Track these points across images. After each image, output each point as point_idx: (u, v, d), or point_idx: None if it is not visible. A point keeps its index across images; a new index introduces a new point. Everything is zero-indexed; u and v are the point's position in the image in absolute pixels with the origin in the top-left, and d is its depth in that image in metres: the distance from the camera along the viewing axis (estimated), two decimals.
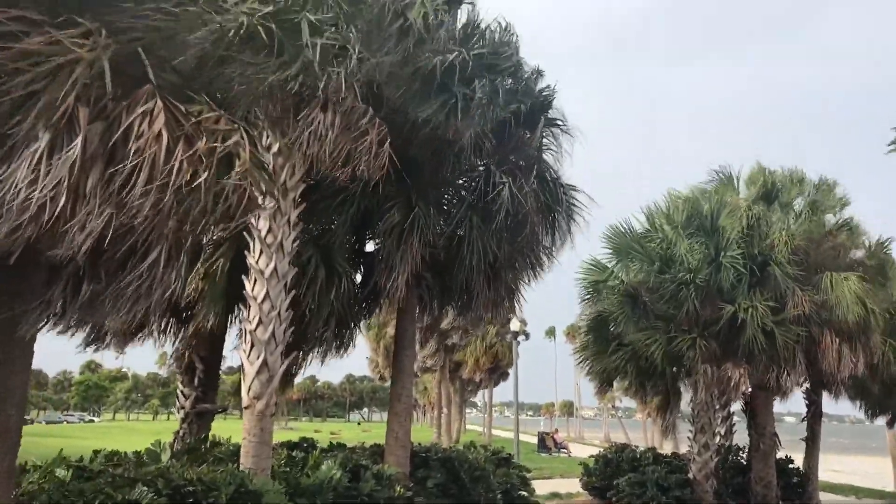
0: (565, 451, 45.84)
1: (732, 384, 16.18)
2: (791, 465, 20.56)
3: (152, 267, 5.42)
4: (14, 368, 5.79)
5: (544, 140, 13.69)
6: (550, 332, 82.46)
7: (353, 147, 9.10)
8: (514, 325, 29.19)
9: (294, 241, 10.37)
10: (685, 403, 18.41)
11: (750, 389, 17.89)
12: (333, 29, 7.96)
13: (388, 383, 16.90)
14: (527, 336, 51.15)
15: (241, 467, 9.54)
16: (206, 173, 5.16)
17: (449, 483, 13.90)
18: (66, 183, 4.64)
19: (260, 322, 9.93)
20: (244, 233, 10.15)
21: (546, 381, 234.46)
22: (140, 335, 13.91)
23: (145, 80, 5.28)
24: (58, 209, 4.62)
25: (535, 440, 49.49)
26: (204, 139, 5.26)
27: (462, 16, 12.76)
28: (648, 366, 16.92)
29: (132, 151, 4.91)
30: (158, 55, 5.57)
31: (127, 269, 5.57)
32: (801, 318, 15.87)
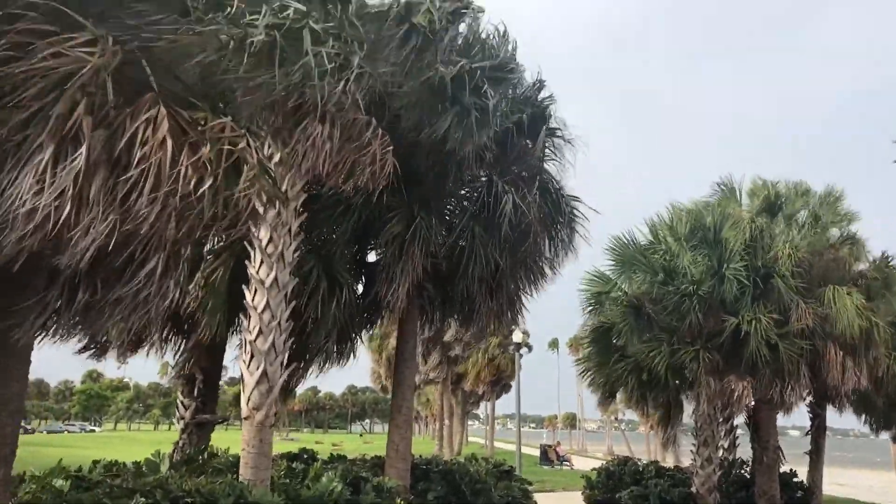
0: (568, 463, 45.62)
1: (736, 397, 16.08)
2: (795, 479, 20.42)
3: (150, 276, 5.39)
4: (10, 377, 5.75)
5: (546, 150, 13.67)
6: (553, 344, 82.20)
7: (356, 158, 9.09)
8: (517, 336, 29.11)
9: (295, 251, 10.33)
10: (688, 416, 18.30)
11: (753, 402, 17.77)
12: (335, 39, 7.97)
13: (390, 394, 16.82)
14: (529, 348, 51.12)
15: (241, 478, 9.46)
16: (212, 180, 5.15)
17: (449, 496, 13.82)
18: (70, 192, 4.63)
19: (260, 332, 9.87)
20: (245, 242, 10.12)
21: (549, 394, 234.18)
22: (141, 345, 13.88)
23: (148, 88, 5.27)
24: (62, 218, 4.61)
25: (537, 453, 49.27)
26: (209, 145, 5.25)
27: (462, 26, 12.77)
28: (650, 377, 16.83)
29: (137, 158, 4.91)
30: (161, 64, 5.57)
31: (124, 277, 5.54)
32: (805, 332, 15.79)
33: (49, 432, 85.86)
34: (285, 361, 10.19)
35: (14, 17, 4.89)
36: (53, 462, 8.77)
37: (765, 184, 18.97)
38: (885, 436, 24.67)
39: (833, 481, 29.17)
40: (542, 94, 13.69)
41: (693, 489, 17.30)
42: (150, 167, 4.91)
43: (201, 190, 5.07)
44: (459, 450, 48.79)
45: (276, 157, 9.63)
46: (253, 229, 9.69)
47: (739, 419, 19.65)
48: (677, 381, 17.26)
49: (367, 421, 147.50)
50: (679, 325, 16.25)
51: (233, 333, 13.44)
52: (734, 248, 16.54)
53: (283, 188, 10.15)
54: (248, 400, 9.82)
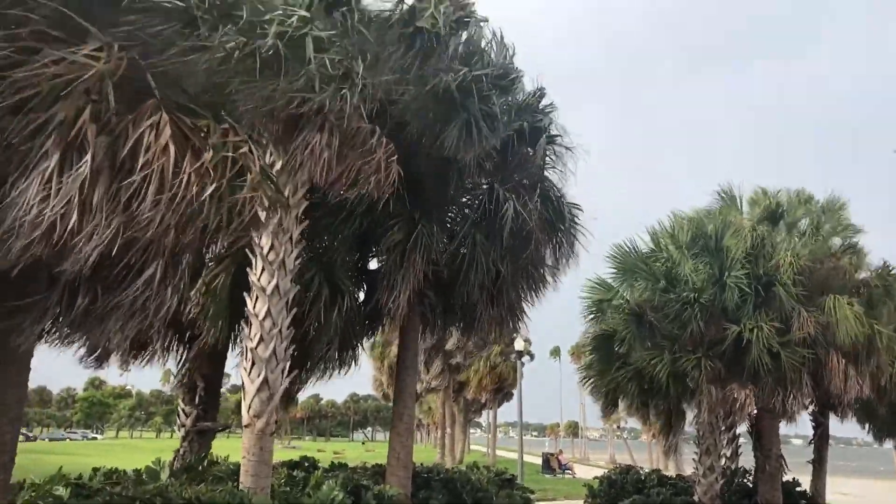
0: (570, 472, 45.50)
1: (738, 405, 16.02)
2: (798, 488, 20.30)
3: (147, 283, 5.40)
4: (9, 384, 5.76)
5: (547, 158, 13.69)
6: (555, 353, 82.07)
7: (361, 166, 9.11)
8: (519, 344, 29.06)
9: (296, 258, 10.35)
10: (690, 425, 18.24)
11: (755, 411, 17.72)
12: (338, 47, 7.99)
13: (391, 402, 16.80)
14: (531, 356, 51.04)
15: (241, 486, 9.45)
16: (215, 185, 5.16)
17: None
18: (76, 199, 4.65)
19: (261, 340, 9.87)
20: (246, 250, 10.13)
21: (551, 402, 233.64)
22: (143, 353, 13.88)
23: (150, 95, 5.30)
24: (69, 226, 4.63)
25: (539, 461, 49.14)
26: (211, 151, 5.26)
27: (465, 34, 12.77)
28: (651, 385, 16.78)
29: (140, 164, 4.92)
30: (165, 72, 5.59)
31: (123, 284, 5.55)
32: (807, 340, 15.75)
33: (51, 440, 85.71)
34: (286, 369, 10.20)
35: (21, 22, 4.91)
36: (54, 470, 8.76)
37: (766, 193, 18.95)
38: (888, 445, 24.53)
39: (836, 490, 29.01)
40: (543, 103, 13.72)
41: (695, 498, 17.23)
42: (153, 173, 4.93)
43: (204, 195, 5.07)
44: (461, 458, 48.65)
45: (278, 165, 9.67)
46: (254, 237, 9.71)
47: (742, 428, 19.58)
48: (679, 390, 17.20)
49: (370, 429, 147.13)
50: (681, 333, 16.21)
51: (234, 341, 13.44)
52: (735, 256, 16.51)
53: (285, 195, 10.18)
54: (249, 408, 9.82)
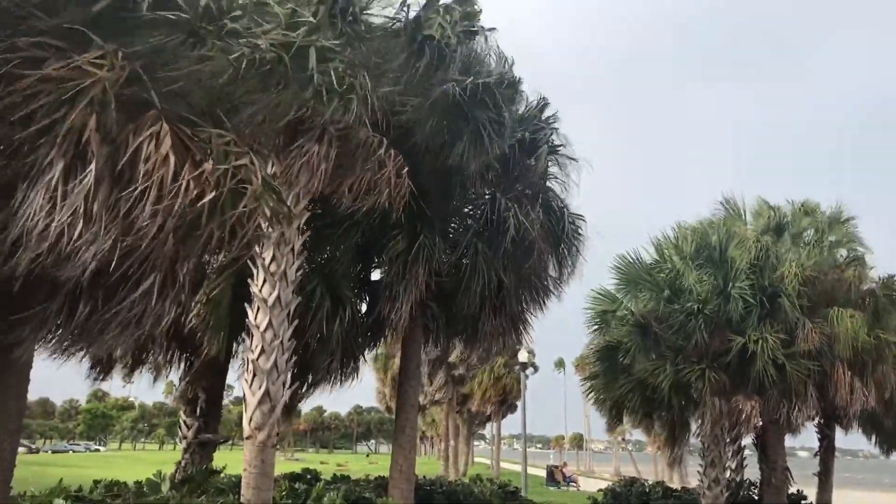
0: (574, 484, 45.26)
1: (744, 417, 15.92)
2: (804, 501, 20.17)
3: (145, 296, 5.36)
4: (9, 395, 5.72)
5: (550, 168, 13.68)
6: (560, 364, 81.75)
7: (371, 178, 9.10)
8: (522, 356, 28.96)
9: (298, 269, 10.31)
10: (695, 437, 18.12)
11: (760, 423, 17.61)
12: (342, 57, 7.98)
13: (394, 415, 16.73)
14: (535, 368, 50.77)
15: (242, 499, 9.39)
16: (213, 194, 5.14)
17: None
18: (82, 209, 4.63)
19: (262, 351, 9.82)
20: (248, 261, 10.09)
21: (556, 414, 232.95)
22: (145, 364, 13.86)
23: (152, 106, 5.29)
24: (75, 236, 4.61)
25: (543, 473, 48.89)
26: (211, 161, 5.25)
27: (472, 44, 12.75)
28: (654, 396, 16.69)
29: (141, 174, 4.91)
30: (167, 83, 5.58)
31: (122, 294, 5.52)
32: (812, 352, 15.67)
33: (54, 452, 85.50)
34: (288, 381, 10.14)
35: (25, 33, 4.92)
36: (56, 482, 8.73)
37: (769, 205, 18.93)
38: (895, 457, 24.33)
39: (842, 503, 28.79)
40: (546, 113, 13.72)
41: None
42: (153, 183, 4.91)
43: (201, 203, 5.05)
44: (465, 470, 48.42)
45: (283, 177, 9.65)
46: (256, 247, 9.68)
47: (747, 440, 19.45)
48: (682, 401, 17.11)
49: (373, 441, 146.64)
50: (685, 345, 16.14)
51: (236, 352, 13.40)
52: (740, 266, 16.45)
53: (287, 207, 10.15)
54: (251, 420, 9.76)
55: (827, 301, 16.67)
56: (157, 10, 5.43)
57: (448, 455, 54.31)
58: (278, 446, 10.32)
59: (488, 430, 76.07)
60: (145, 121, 5.13)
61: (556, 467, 49.50)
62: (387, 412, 70.92)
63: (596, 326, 17.95)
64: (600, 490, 21.21)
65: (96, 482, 9.49)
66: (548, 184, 13.81)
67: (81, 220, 4.63)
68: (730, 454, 18.81)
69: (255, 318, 9.97)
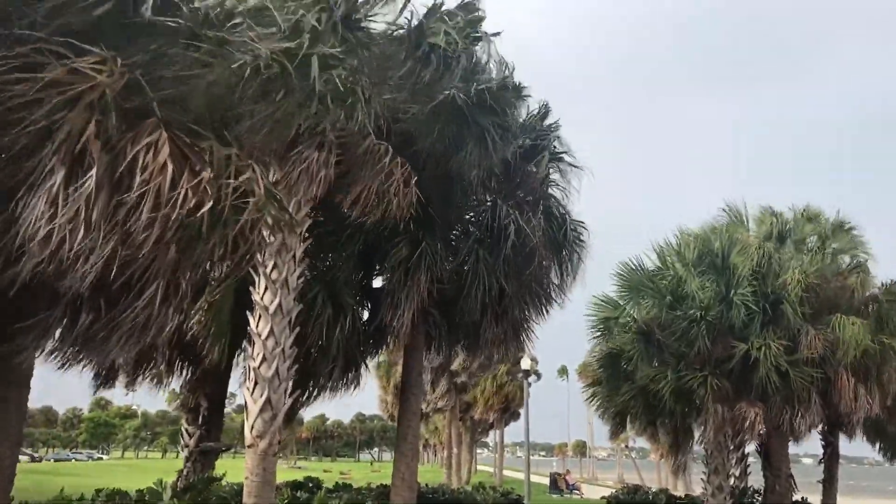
0: (577, 492, 45.06)
1: (748, 424, 15.86)
2: None
3: (149, 304, 5.35)
4: (9, 406, 5.70)
5: (551, 175, 13.67)
6: (563, 371, 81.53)
7: (378, 187, 9.11)
8: (525, 363, 28.83)
9: (299, 277, 10.29)
10: (698, 444, 18.07)
11: (764, 430, 17.55)
12: (344, 65, 7.98)
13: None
14: (538, 375, 50.51)
15: None
16: (210, 203, 5.13)
17: None
18: (83, 215, 4.63)
19: (264, 359, 9.80)
20: (249, 269, 10.08)
21: (559, 421, 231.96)
22: (147, 372, 13.85)
23: (150, 114, 5.28)
24: (76, 242, 4.61)
25: (547, 481, 48.72)
26: (210, 170, 5.24)
27: (476, 50, 12.74)
28: (657, 403, 16.64)
29: (137, 182, 4.90)
30: (167, 91, 5.58)
31: (123, 303, 5.50)
32: (816, 359, 15.63)
33: (56, 460, 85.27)
34: (289, 389, 10.12)
35: (25, 38, 4.92)
36: (58, 491, 8.72)
37: (772, 212, 18.93)
38: None
39: None
40: (548, 121, 13.72)
41: None
42: (150, 191, 4.90)
43: (201, 213, 5.04)
44: (468, 478, 48.28)
45: (282, 183, 9.65)
46: (257, 255, 9.67)
47: (751, 447, 19.40)
48: (684, 408, 17.07)
49: (377, 449, 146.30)
50: (687, 351, 16.11)
51: (238, 361, 13.38)
52: (742, 273, 16.43)
53: (288, 214, 10.14)
54: (252, 428, 9.74)
55: (830, 308, 16.64)
56: (158, 16, 5.43)
57: (451, 463, 54.13)
58: (281, 454, 10.29)
59: (491, 437, 75.98)
60: (144, 129, 5.13)
61: (560, 475, 49.29)
62: (390, 420, 70.75)
63: (598, 333, 17.92)
64: (603, 498, 21.16)
65: (98, 491, 9.49)
66: (549, 190, 13.79)
67: (82, 228, 4.62)
68: (733, 461, 18.77)
69: (257, 325, 9.95)
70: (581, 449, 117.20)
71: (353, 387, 14.17)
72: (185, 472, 13.58)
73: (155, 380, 14.41)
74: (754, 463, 19.81)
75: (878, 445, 21.77)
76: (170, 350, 13.01)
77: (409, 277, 11.95)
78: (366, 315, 13.64)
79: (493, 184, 12.60)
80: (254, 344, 9.93)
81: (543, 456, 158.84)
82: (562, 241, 13.55)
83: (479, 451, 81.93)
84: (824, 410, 16.47)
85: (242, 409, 10.31)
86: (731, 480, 18.01)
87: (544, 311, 14.35)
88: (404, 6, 11.04)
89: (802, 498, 19.95)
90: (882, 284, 18.15)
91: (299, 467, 72.14)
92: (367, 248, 12.63)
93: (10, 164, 4.91)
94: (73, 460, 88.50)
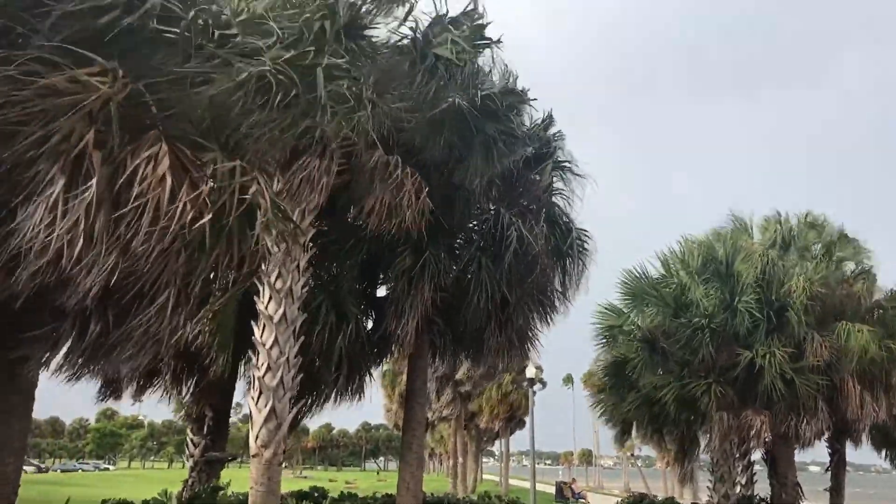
0: (583, 500, 44.91)
1: (753, 432, 15.82)
2: None
3: (160, 311, 5.36)
4: (14, 416, 5.73)
5: (555, 184, 13.69)
6: (568, 380, 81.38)
7: (391, 200, 9.14)
8: (530, 371, 28.80)
9: (303, 286, 10.31)
10: (704, 452, 18.01)
11: (770, 438, 17.50)
12: (348, 76, 8.01)
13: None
14: (543, 384, 50.59)
15: None
16: (209, 215, 5.15)
17: None
18: (82, 224, 4.65)
19: (268, 369, 9.81)
20: (253, 278, 10.10)
21: (564, 430, 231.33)
22: (154, 383, 13.88)
23: (153, 127, 5.31)
24: (76, 252, 4.63)
25: (553, 490, 48.56)
26: (210, 183, 5.26)
27: (481, 59, 12.75)
28: (662, 411, 16.61)
29: (135, 194, 4.92)
30: (169, 103, 5.61)
31: (134, 311, 5.52)
32: (821, 366, 15.59)
33: (63, 471, 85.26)
34: (294, 398, 10.13)
35: (24, 46, 4.96)
36: (64, 501, 8.74)
37: (776, 218, 18.93)
38: None
39: None
40: (552, 130, 13.75)
41: None
42: (148, 204, 4.91)
43: (201, 224, 5.06)
44: (474, 487, 48.16)
45: (284, 193, 9.68)
46: (262, 265, 9.69)
47: (757, 455, 19.31)
48: (691, 416, 17.04)
49: (382, 458, 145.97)
50: (692, 359, 16.10)
51: (242, 370, 13.40)
52: (746, 281, 16.42)
53: (293, 225, 10.17)
54: (257, 437, 9.74)
55: (835, 315, 16.61)
56: (160, 26, 5.47)
57: (456, 472, 54.00)
58: (286, 464, 10.31)
59: (497, 446, 75.77)
60: (145, 141, 5.14)
61: (566, 483, 49.14)
62: (395, 429, 70.54)
63: (603, 341, 17.92)
64: None
65: (104, 501, 9.51)
66: (552, 199, 13.80)
67: (82, 239, 4.64)
68: (739, 469, 18.69)
69: (261, 335, 9.97)
70: (587, 457, 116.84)
71: (357, 396, 14.16)
72: (190, 482, 13.59)
73: (160, 390, 14.43)
74: (761, 471, 19.72)
75: (884, 453, 21.69)
76: (175, 360, 13.04)
77: (412, 286, 11.96)
78: (370, 324, 13.65)
79: (496, 192, 12.61)
80: (258, 354, 9.95)
81: (549, 465, 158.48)
82: (565, 249, 13.55)
83: (484, 460, 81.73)
84: (830, 418, 16.42)
85: (248, 418, 10.32)
86: (738, 488, 17.93)
87: (548, 319, 14.34)
88: (407, 14, 11.09)
89: None
90: (891, 291, 18.11)
91: (305, 477, 71.99)
92: (371, 257, 12.65)
93: (11, 175, 4.93)
94: (80, 471, 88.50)
